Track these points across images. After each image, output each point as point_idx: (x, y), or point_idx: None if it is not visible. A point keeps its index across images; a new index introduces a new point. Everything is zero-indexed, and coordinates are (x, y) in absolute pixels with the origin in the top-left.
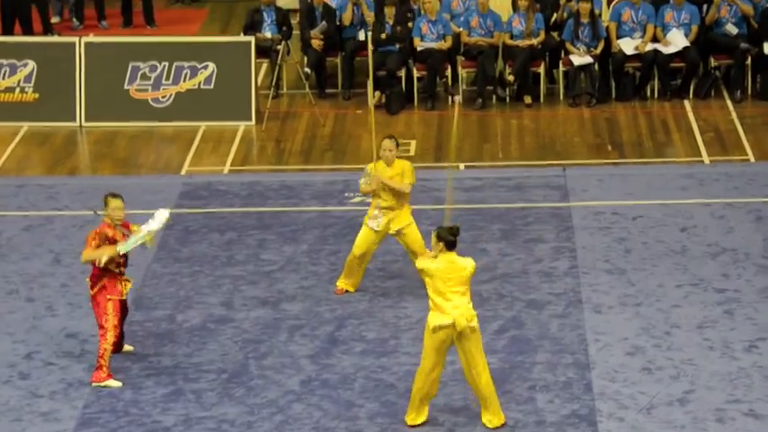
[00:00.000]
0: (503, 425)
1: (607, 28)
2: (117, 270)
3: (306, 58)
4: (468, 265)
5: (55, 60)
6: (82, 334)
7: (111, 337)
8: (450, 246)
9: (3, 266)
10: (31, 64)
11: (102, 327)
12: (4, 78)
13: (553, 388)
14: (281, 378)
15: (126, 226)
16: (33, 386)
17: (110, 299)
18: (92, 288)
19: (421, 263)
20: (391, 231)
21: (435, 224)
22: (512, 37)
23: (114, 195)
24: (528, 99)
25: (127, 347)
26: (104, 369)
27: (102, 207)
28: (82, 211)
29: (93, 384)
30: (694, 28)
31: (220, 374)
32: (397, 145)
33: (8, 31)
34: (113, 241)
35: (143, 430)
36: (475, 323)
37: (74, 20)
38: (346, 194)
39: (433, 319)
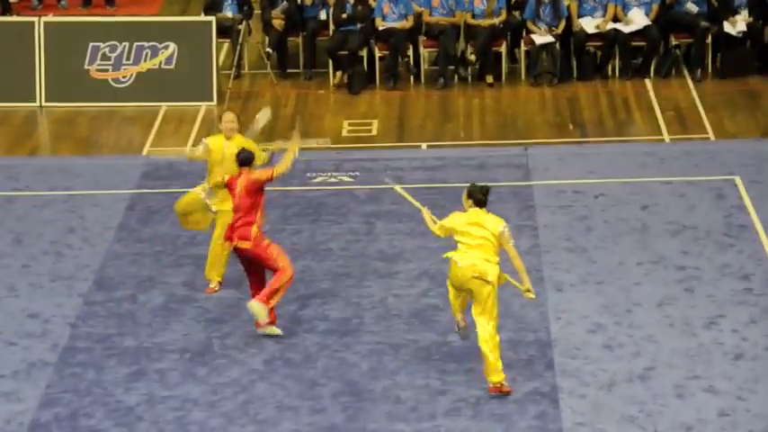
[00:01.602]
0: (500, 383)
1: (568, 7)
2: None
3: (267, 38)
4: (491, 226)
5: (14, 40)
6: (43, 314)
7: (288, 270)
8: (478, 203)
9: None
10: None
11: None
12: None
13: (515, 366)
14: (245, 357)
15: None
16: None
17: (267, 243)
18: (256, 243)
19: (436, 229)
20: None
21: (396, 203)
22: (473, 16)
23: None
24: (490, 78)
25: (273, 330)
26: (271, 301)
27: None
28: (42, 191)
29: (254, 303)
30: (655, 7)
31: (183, 354)
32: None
33: None
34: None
35: (106, 410)
36: (482, 275)
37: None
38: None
39: (453, 255)
